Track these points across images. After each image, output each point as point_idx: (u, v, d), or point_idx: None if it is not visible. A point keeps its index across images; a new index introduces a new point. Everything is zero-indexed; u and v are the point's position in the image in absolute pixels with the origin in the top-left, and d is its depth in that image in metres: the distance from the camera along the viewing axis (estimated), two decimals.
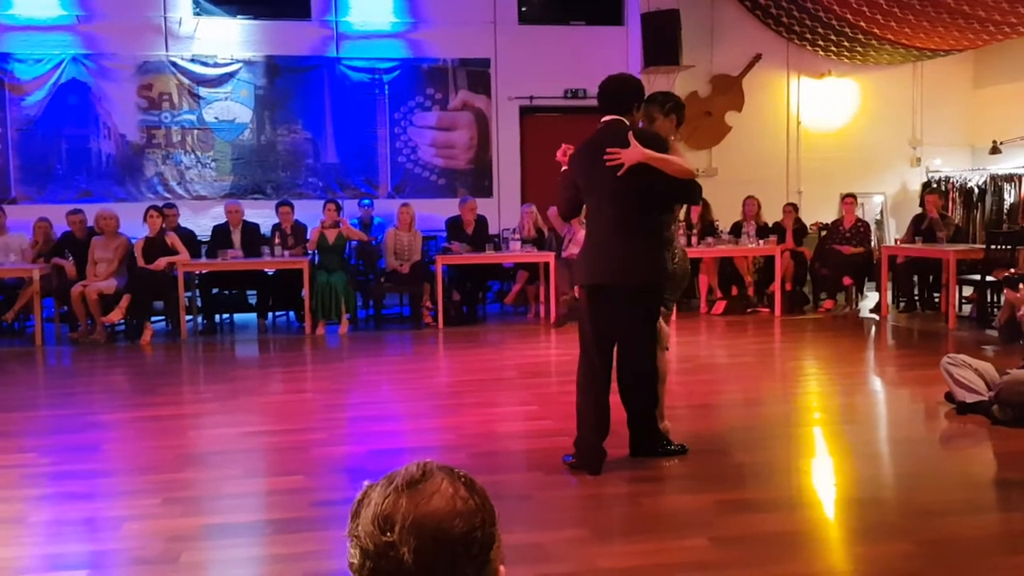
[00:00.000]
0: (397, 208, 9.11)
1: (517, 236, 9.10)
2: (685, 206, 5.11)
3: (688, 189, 4.07)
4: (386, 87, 10.10)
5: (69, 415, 5.38)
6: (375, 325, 8.97)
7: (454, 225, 9.25)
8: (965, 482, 3.94)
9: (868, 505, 3.63)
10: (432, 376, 6.74)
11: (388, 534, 1.03)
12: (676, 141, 4.15)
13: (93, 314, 8.05)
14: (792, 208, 9.83)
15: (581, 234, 4.13)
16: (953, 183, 10.74)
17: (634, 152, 3.84)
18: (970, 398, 4.86)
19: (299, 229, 8.89)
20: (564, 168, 4.22)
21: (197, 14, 9.66)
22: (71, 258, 8.33)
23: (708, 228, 9.42)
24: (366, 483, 1.12)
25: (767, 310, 9.26)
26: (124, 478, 4.14)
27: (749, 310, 9.28)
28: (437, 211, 9.71)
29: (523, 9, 10.37)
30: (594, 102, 4.31)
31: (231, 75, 9.79)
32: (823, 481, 4.14)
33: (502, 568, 1.10)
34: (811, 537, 3.35)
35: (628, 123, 4.04)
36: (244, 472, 4.19)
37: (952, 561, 3.10)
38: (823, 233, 9.78)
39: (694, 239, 9.12)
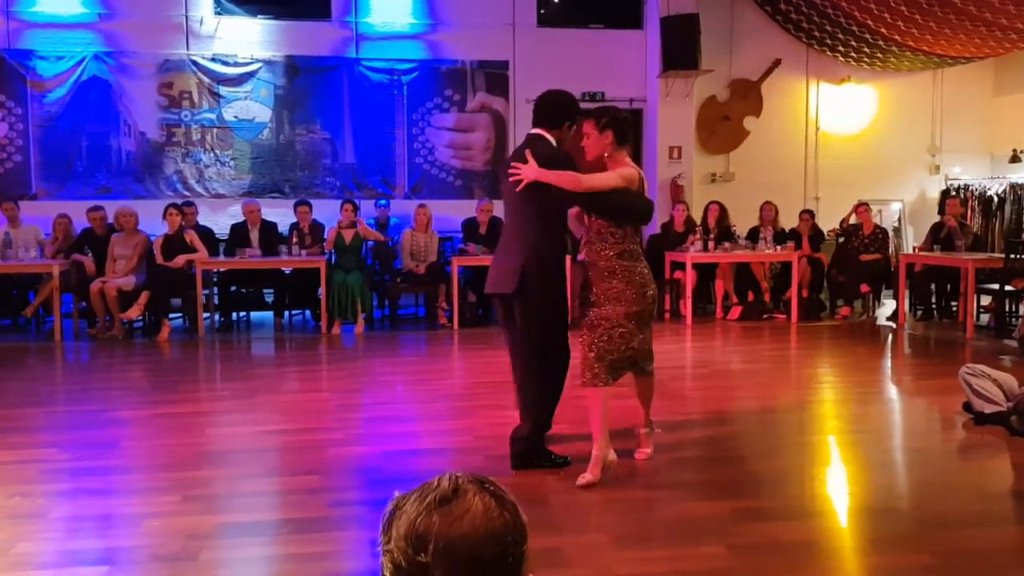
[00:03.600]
0: (414, 209, 9.14)
1: None
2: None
3: (614, 209, 3.98)
4: (404, 88, 10.13)
5: (88, 411, 5.43)
6: (391, 325, 9.00)
7: (470, 226, 9.27)
8: (982, 493, 3.92)
9: (884, 515, 3.62)
10: (447, 377, 6.76)
11: (422, 555, 1.05)
12: (610, 157, 4.07)
13: (112, 310, 8.12)
14: (808, 215, 9.79)
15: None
16: (972, 191, 10.68)
17: (529, 170, 3.97)
18: (988, 408, 4.84)
19: (316, 229, 8.95)
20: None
21: (218, 13, 9.72)
22: (90, 254, 8.40)
23: (725, 233, 9.39)
24: (397, 493, 1.13)
25: (783, 316, 9.23)
26: (143, 475, 4.18)
27: (765, 316, 9.25)
28: (454, 212, 9.73)
29: (542, 12, 10.37)
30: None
31: (251, 74, 9.84)
32: (839, 490, 4.12)
33: None
34: (827, 546, 3.34)
35: (552, 138, 4.10)
36: (261, 471, 4.22)
37: (968, 573, 3.09)
38: (840, 239, 9.74)
39: (711, 244, 9.10)
